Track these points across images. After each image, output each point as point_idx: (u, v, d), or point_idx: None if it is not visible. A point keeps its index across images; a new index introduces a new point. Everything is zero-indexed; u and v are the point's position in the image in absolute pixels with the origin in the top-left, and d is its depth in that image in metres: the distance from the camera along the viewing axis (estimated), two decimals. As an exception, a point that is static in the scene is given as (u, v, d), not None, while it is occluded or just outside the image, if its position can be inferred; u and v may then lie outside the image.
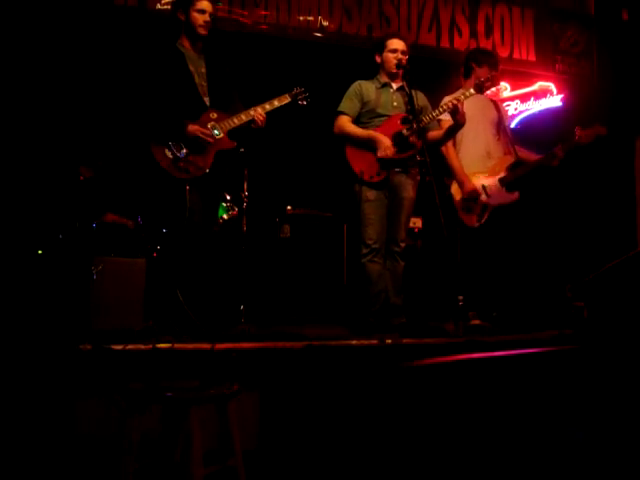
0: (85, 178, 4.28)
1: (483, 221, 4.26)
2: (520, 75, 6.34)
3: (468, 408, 2.84)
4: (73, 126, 4.75)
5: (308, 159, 5.47)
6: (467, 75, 4.45)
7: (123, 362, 2.69)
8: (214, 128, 3.61)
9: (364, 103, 4.09)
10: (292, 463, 2.70)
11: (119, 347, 2.74)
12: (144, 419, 2.15)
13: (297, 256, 5.08)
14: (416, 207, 4.21)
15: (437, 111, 3.98)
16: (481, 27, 6.20)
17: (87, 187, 4.28)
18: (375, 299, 3.98)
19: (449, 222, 3.80)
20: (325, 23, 5.66)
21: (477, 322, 4.12)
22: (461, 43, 6.06)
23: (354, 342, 3.31)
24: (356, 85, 4.15)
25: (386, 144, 3.95)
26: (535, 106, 6.39)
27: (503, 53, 6.20)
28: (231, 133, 3.66)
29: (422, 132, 3.90)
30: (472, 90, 4.02)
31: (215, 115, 3.65)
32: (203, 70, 3.72)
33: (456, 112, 3.87)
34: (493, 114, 4.45)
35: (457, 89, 4.39)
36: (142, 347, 2.78)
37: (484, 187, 4.28)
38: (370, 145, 3.99)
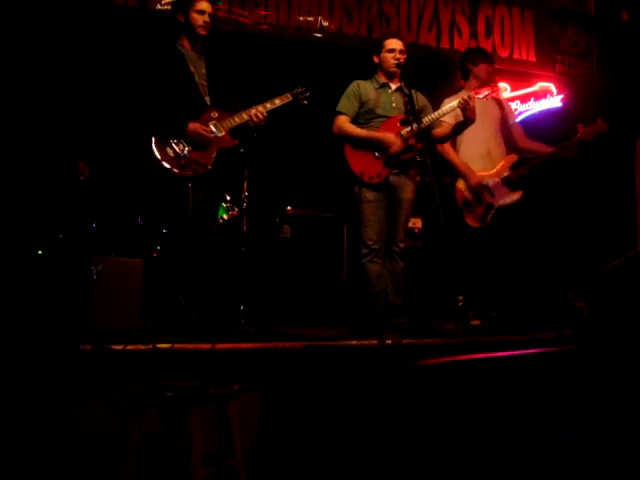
0: (85, 178, 4.28)
1: (487, 221, 4.26)
2: (520, 75, 6.34)
3: (468, 408, 2.84)
4: (73, 126, 4.75)
5: (308, 159, 5.47)
6: (465, 77, 4.46)
7: (123, 362, 2.69)
8: (215, 127, 3.62)
9: (362, 103, 4.07)
10: (292, 463, 2.70)
11: (119, 347, 2.74)
12: (144, 419, 2.15)
13: (297, 256, 5.08)
14: (416, 207, 4.21)
15: (439, 112, 3.98)
16: (481, 28, 6.20)
17: (87, 187, 4.29)
18: (375, 299, 3.98)
19: (449, 222, 3.80)
20: (325, 23, 5.66)
21: (477, 322, 4.13)
22: (461, 43, 6.05)
23: (354, 342, 3.32)
24: (354, 85, 4.13)
25: (392, 139, 3.93)
26: (535, 106, 6.38)
27: (503, 53, 6.22)
28: (232, 133, 3.66)
29: (423, 133, 3.88)
30: (485, 91, 4.00)
31: (216, 114, 3.65)
32: (203, 70, 3.72)
33: (466, 108, 3.87)
34: (495, 113, 4.45)
35: (458, 90, 4.40)
36: (142, 347, 2.78)
37: (488, 187, 4.28)
38: (372, 146, 3.98)
